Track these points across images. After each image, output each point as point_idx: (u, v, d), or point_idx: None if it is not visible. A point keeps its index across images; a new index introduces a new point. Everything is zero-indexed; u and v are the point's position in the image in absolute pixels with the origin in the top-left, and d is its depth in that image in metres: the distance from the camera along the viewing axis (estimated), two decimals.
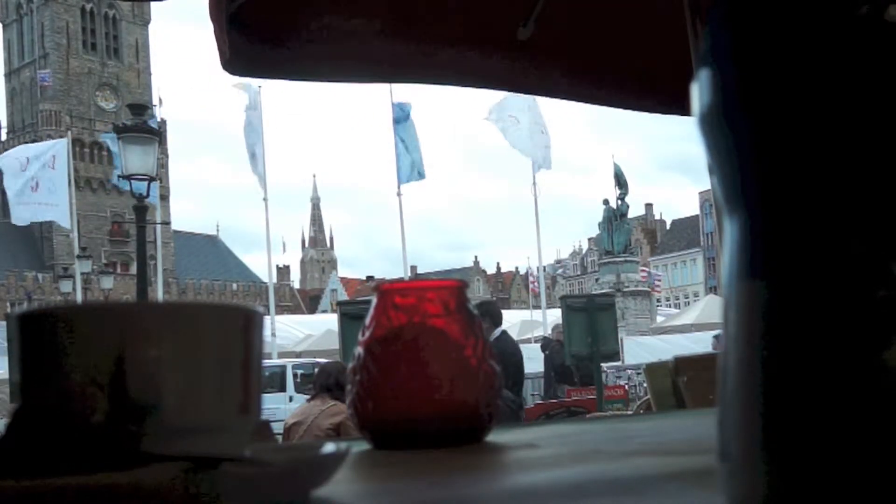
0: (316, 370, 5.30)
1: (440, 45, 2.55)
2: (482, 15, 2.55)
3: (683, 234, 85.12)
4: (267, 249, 28.50)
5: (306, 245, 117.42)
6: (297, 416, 4.75)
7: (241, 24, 2.20)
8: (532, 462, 0.64)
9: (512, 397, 5.51)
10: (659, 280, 63.34)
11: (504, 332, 6.81)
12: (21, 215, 26.11)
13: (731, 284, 0.27)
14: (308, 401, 4.95)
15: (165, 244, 68.36)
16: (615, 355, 12.09)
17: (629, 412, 8.62)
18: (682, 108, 2.89)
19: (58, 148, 27.96)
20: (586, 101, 2.89)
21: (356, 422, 0.78)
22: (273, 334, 22.59)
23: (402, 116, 22.44)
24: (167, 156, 76.13)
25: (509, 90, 3.21)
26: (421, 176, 23.22)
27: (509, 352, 6.55)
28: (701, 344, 14.55)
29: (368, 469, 0.66)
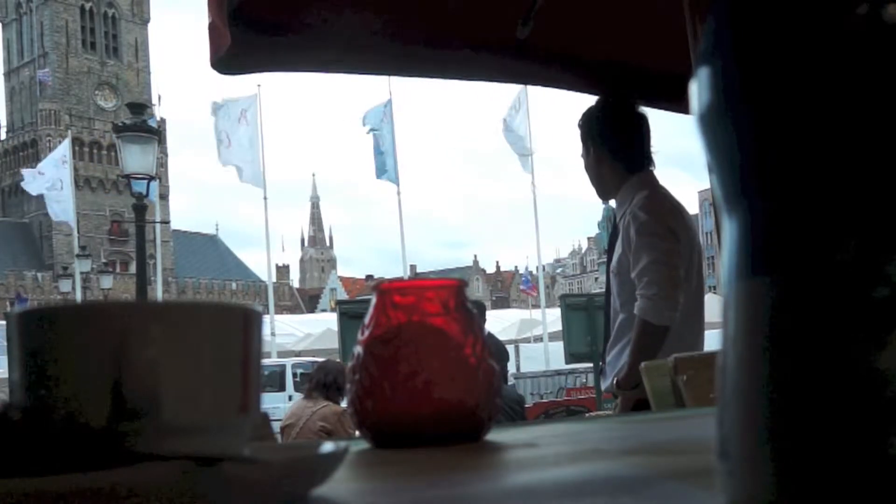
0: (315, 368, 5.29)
1: (441, 38, 2.56)
2: (482, 10, 2.55)
3: None
4: (266, 248, 28.58)
5: (305, 244, 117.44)
6: (290, 418, 4.78)
7: (242, 16, 2.19)
8: (532, 461, 0.64)
9: (515, 397, 5.52)
10: None
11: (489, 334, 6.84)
12: (54, 210, 28.02)
13: (731, 283, 0.27)
14: (301, 400, 4.97)
15: (165, 243, 68.42)
16: None
17: None
18: (681, 104, 2.90)
19: (63, 149, 28.68)
20: (582, 92, 2.91)
21: (356, 420, 0.78)
22: (272, 333, 22.63)
23: (378, 116, 22.69)
24: (166, 154, 76.15)
25: (510, 82, 3.23)
26: (390, 178, 23.29)
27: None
28: None
29: (367, 468, 0.66)
